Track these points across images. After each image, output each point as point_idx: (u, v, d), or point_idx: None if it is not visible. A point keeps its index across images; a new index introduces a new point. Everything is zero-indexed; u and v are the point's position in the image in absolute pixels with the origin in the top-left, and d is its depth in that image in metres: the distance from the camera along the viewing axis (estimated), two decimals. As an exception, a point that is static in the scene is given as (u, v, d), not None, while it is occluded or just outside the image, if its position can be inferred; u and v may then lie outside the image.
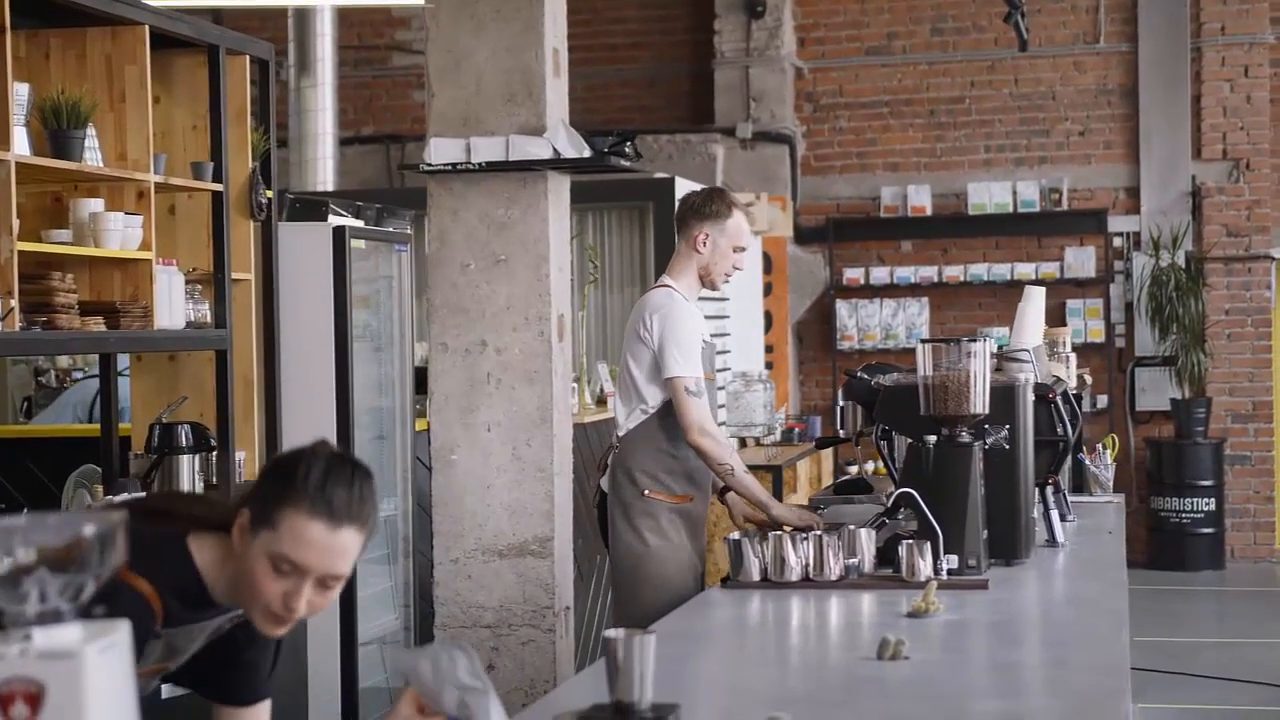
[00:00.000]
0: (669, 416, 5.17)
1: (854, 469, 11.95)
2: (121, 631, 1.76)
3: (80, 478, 5.84)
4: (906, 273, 12.84)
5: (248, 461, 5.85)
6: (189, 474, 5.40)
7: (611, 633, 2.71)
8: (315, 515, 2.57)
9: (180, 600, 2.66)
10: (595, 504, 5.53)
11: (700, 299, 7.99)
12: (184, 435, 5.41)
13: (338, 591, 2.67)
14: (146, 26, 5.15)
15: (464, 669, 2.49)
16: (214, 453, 5.57)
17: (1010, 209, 12.69)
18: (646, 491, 5.20)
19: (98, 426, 5.75)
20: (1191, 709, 8.20)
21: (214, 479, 5.61)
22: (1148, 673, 8.63)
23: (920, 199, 12.84)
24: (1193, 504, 12.23)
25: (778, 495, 8.71)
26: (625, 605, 5.28)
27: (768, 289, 12.39)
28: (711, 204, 5.33)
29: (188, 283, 5.49)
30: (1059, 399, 5.01)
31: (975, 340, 4.41)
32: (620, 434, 5.31)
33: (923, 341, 4.45)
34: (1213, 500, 12.25)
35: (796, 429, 10.90)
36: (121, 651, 1.75)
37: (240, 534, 2.63)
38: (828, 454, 11.12)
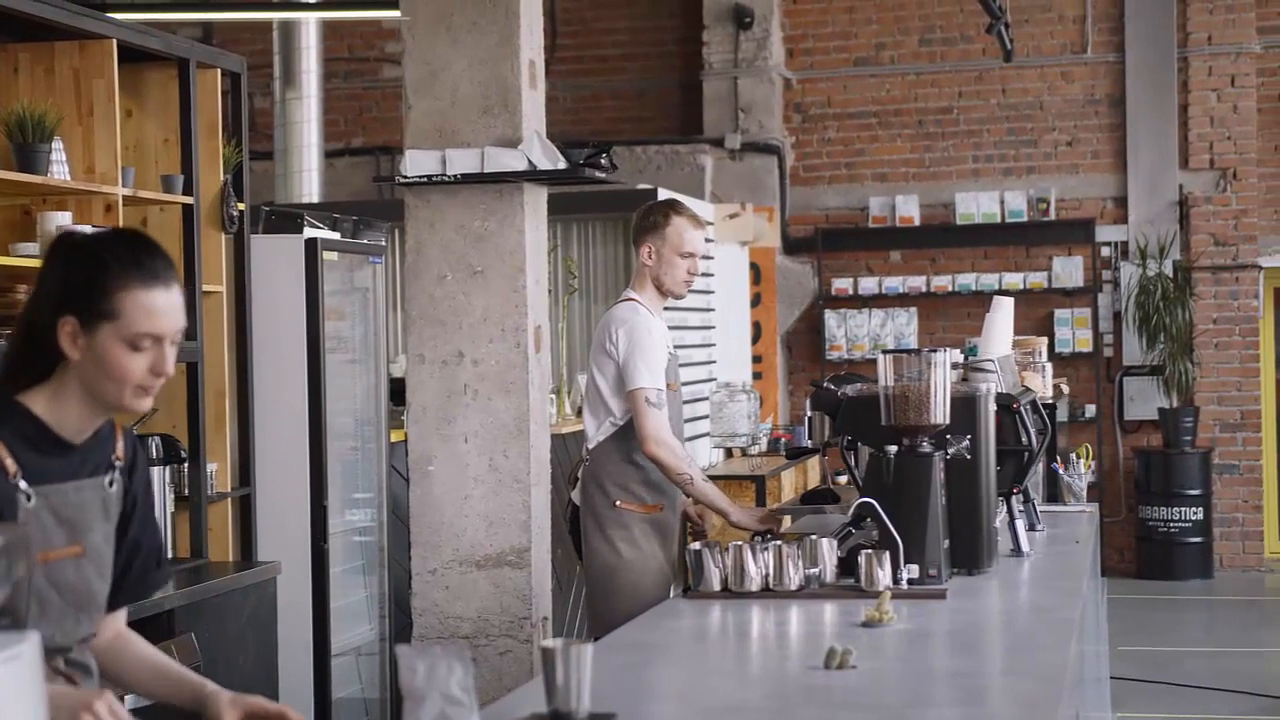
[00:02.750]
0: None
1: (843, 479, 11.94)
2: (29, 643, 1.78)
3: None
4: (895, 283, 12.86)
5: (219, 474, 5.87)
6: (160, 486, 5.41)
7: (548, 643, 2.73)
8: (148, 286, 2.67)
9: (33, 448, 2.66)
10: (567, 517, 5.56)
11: (681, 309, 8.01)
12: (155, 447, 5.42)
13: None
14: (114, 40, 5.17)
15: (456, 681, 2.50)
16: (185, 465, 5.59)
17: (998, 219, 12.71)
18: (618, 503, 5.26)
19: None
20: (1177, 718, 8.20)
21: (185, 491, 5.62)
22: (1132, 682, 8.64)
23: (908, 209, 12.86)
24: (1181, 513, 12.24)
25: (760, 505, 8.72)
26: (599, 616, 5.31)
27: (756, 299, 12.41)
28: (649, 216, 5.41)
29: (159, 295, 5.50)
30: (1025, 409, 5.02)
31: (936, 351, 4.42)
32: (590, 446, 5.38)
33: (884, 352, 4.46)
34: (1201, 509, 12.26)
35: (784, 439, 10.91)
36: (28, 664, 1.76)
37: (73, 340, 2.66)
38: (814, 464, 11.12)
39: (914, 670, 3.42)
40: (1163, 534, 12.25)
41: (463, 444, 5.88)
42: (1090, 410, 12.54)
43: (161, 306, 2.68)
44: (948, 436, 4.48)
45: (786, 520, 5.34)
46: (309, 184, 10.62)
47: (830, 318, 12.92)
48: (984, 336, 5.51)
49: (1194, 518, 12.23)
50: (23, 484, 2.63)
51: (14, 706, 1.74)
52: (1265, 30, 12.63)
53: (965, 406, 4.54)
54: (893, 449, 4.39)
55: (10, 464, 2.63)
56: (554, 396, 7.93)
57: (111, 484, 2.80)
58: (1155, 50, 12.60)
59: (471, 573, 5.87)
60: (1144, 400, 12.58)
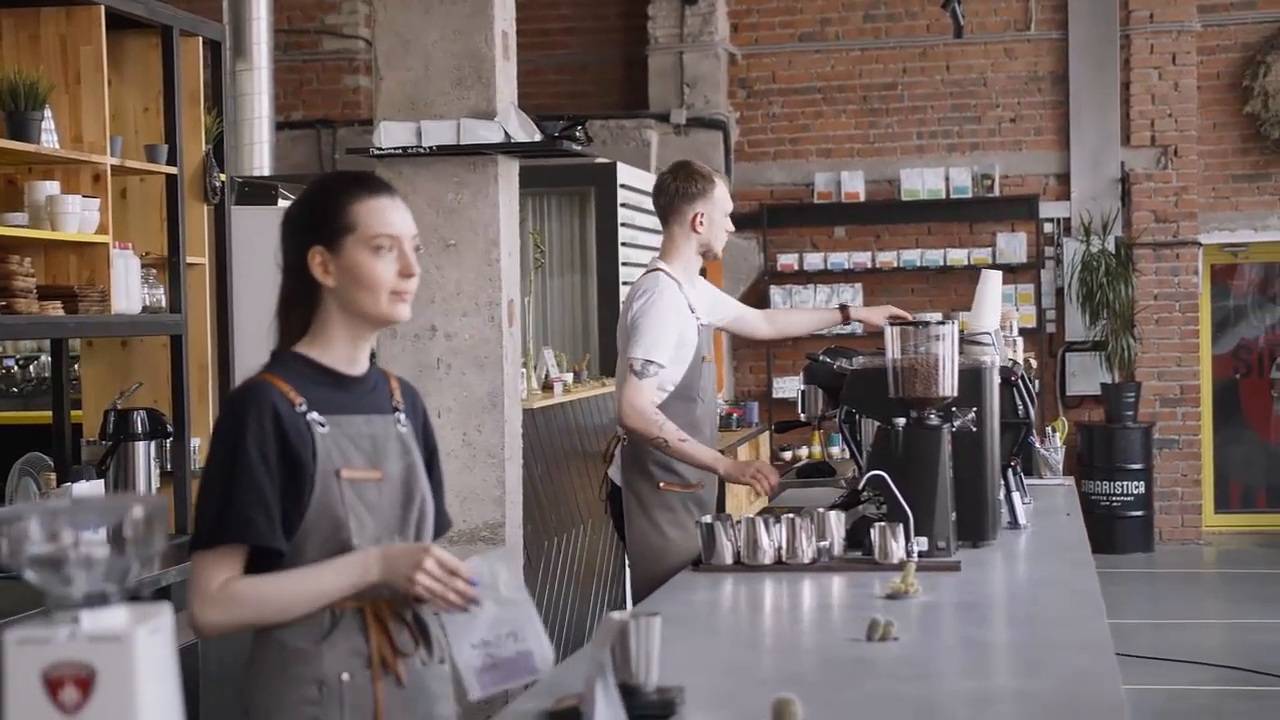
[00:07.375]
0: (676, 404, 5.12)
1: (804, 452, 12.01)
2: (165, 615, 1.74)
3: (26, 465, 5.74)
4: (840, 259, 12.89)
5: (203, 448, 5.78)
6: (144, 461, 5.33)
7: (618, 615, 2.71)
8: (375, 195, 2.87)
9: (311, 382, 2.84)
10: (604, 496, 5.38)
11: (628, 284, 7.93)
12: (140, 422, 5.33)
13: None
14: (102, 7, 5.07)
15: (504, 581, 2.48)
16: (170, 439, 5.50)
17: (943, 195, 12.76)
18: (662, 484, 5.15)
19: (49, 414, 5.65)
20: (1123, 689, 8.29)
21: (169, 465, 5.53)
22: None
23: (854, 185, 12.89)
24: (1122, 487, 12.37)
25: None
26: (644, 595, 5.19)
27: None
28: (695, 183, 5.34)
29: (143, 267, 5.42)
30: (1020, 380, 5.04)
31: (944, 323, 4.43)
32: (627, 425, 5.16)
33: (891, 324, 4.45)
34: (1142, 483, 12.40)
35: (735, 414, 10.93)
36: (166, 634, 1.73)
37: (324, 266, 2.84)
38: (764, 439, 11.16)
39: (954, 642, 3.42)
40: (1105, 508, 12.37)
41: (436, 418, 5.82)
42: (1034, 385, 12.62)
43: (389, 210, 2.85)
44: (953, 409, 4.48)
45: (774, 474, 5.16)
46: (260, 156, 10.47)
47: (776, 293, 12.94)
48: (974, 310, 5.52)
49: (1135, 492, 12.38)
50: (313, 414, 2.81)
51: (158, 672, 1.70)
52: (1205, 9, 12.75)
53: (971, 379, 4.55)
54: (901, 421, 4.39)
55: (296, 398, 2.80)
56: (522, 371, 7.89)
57: (401, 424, 2.92)
58: (1098, 28, 12.70)
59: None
60: (1086, 375, 12.71)
